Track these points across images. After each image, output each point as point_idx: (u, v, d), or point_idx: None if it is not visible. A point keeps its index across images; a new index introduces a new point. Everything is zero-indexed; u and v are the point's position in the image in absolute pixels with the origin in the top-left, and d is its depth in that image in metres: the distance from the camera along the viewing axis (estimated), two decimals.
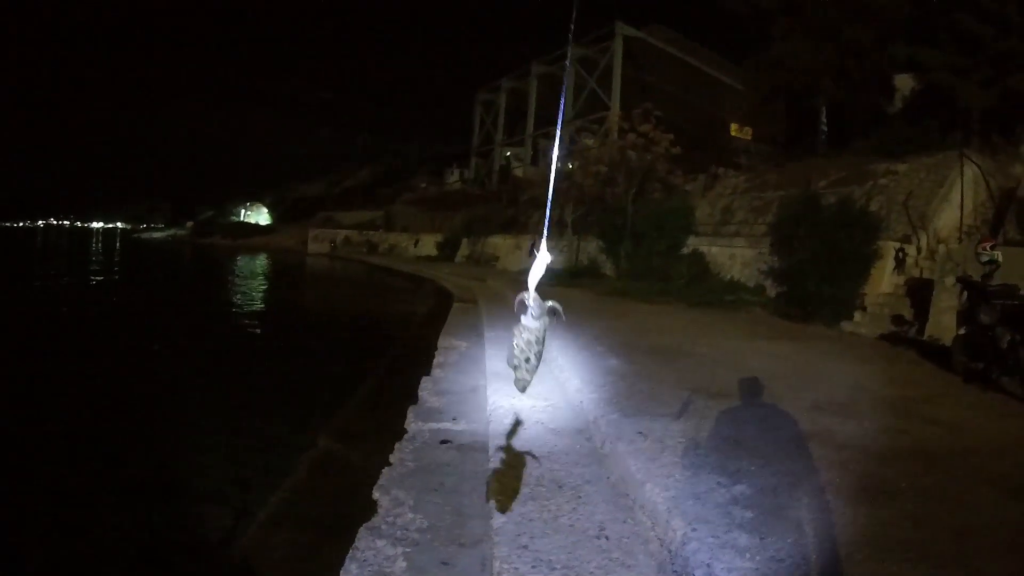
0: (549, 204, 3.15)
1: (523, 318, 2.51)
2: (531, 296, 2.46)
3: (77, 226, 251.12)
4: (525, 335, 2.52)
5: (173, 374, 12.12)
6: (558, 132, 3.43)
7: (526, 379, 2.57)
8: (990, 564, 3.48)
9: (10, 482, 7.05)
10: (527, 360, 2.54)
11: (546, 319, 2.54)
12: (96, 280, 33.60)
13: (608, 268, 25.14)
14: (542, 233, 2.59)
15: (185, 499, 6.61)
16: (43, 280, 31.75)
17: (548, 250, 2.41)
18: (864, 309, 14.10)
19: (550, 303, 2.52)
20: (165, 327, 18.36)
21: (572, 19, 2.86)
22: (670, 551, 3.60)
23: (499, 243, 36.55)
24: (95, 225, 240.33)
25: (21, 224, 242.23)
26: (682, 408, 6.18)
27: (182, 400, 10.34)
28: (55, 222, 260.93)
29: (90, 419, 9.32)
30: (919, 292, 12.97)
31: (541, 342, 2.54)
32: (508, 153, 55.13)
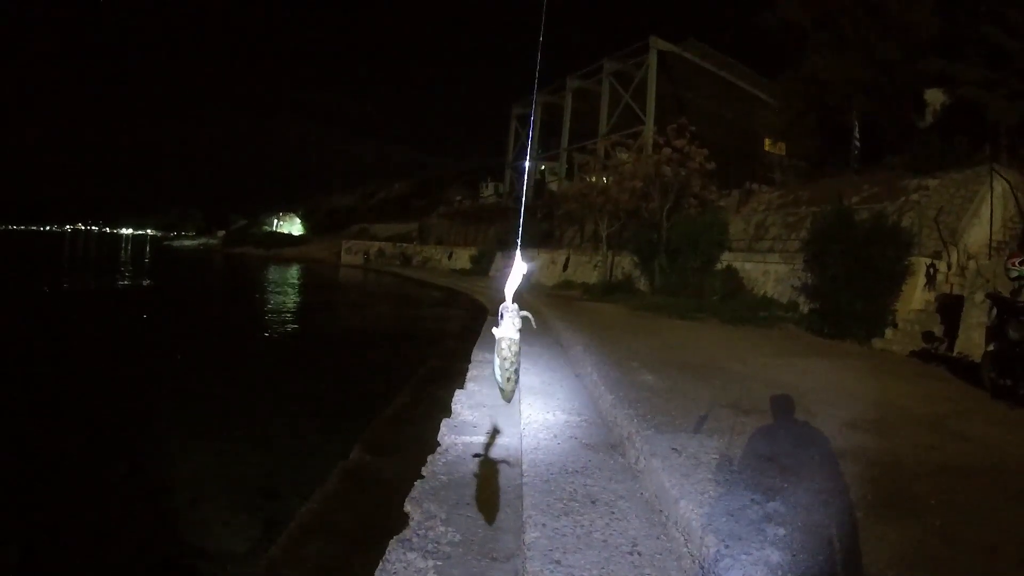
0: (521, 216, 3.24)
1: (504, 329, 2.55)
2: (510, 305, 2.51)
3: (106, 232, 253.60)
4: (514, 348, 2.57)
5: (204, 383, 12.22)
6: (527, 164, 3.52)
7: (513, 389, 2.65)
8: None
9: (37, 488, 7.14)
10: (515, 371, 2.60)
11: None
12: (124, 286, 33.95)
13: (642, 283, 25.07)
14: (517, 244, 2.64)
15: (214, 507, 6.66)
16: (70, 286, 32.14)
17: (523, 260, 2.50)
18: (895, 326, 13.96)
19: (523, 313, 2.57)
20: (197, 337, 18.53)
21: (536, 68, 2.92)
22: (703, 568, 3.59)
23: (534, 257, 36.47)
24: (124, 231, 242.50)
25: (48, 228, 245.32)
26: (705, 421, 6.17)
27: (213, 409, 10.42)
28: (83, 227, 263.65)
29: (118, 425, 9.44)
30: (950, 308, 12.83)
31: (519, 352, 2.61)
32: (543, 167, 55.08)
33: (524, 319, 2.61)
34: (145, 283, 33.81)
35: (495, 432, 6.37)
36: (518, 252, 2.55)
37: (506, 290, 2.52)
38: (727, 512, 4.01)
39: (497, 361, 2.60)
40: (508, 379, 2.61)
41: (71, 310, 23.80)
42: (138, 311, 24.87)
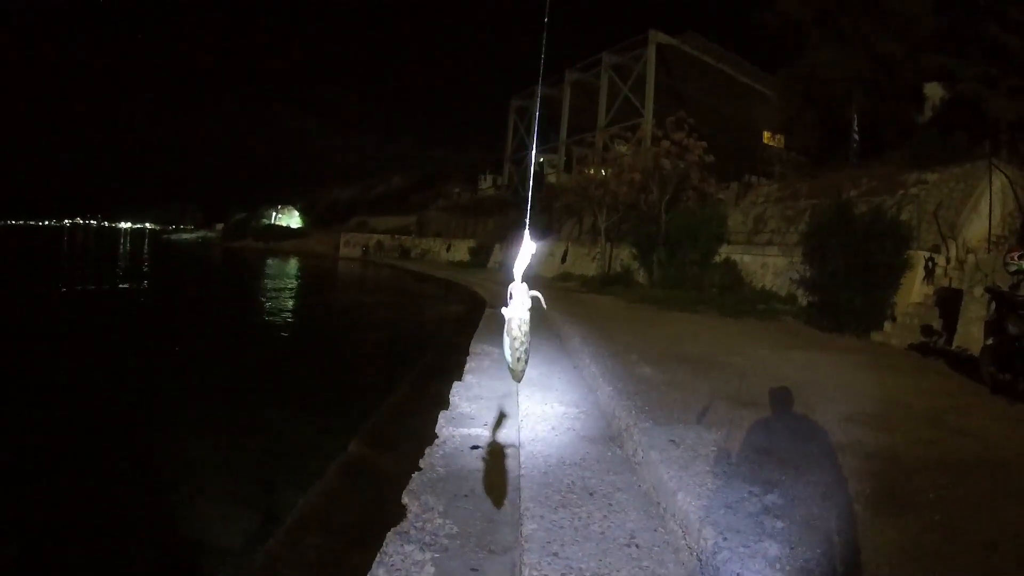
0: (530, 197, 3.23)
1: (514, 309, 2.55)
2: (519, 285, 2.52)
3: (104, 226, 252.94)
4: (524, 327, 2.58)
5: (203, 377, 12.21)
6: (532, 154, 3.52)
7: (523, 369, 2.64)
8: None
9: (35, 482, 7.14)
10: (526, 351, 2.61)
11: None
12: (125, 281, 33.90)
13: (641, 276, 25.07)
14: (526, 225, 2.65)
15: (213, 501, 6.66)
16: (70, 282, 32.08)
17: (532, 240, 2.55)
18: (894, 319, 13.95)
19: (533, 292, 2.57)
20: (196, 330, 18.52)
21: (541, 63, 2.92)
22: (701, 560, 3.58)
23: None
24: (123, 225, 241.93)
25: (46, 223, 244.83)
26: (703, 413, 6.16)
27: (212, 403, 10.41)
28: (81, 221, 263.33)
29: (117, 420, 9.42)
30: (948, 302, 12.81)
31: (529, 332, 2.61)
32: (541, 160, 55.05)
33: (533, 299, 2.60)
34: (144, 285, 33.45)
35: (493, 424, 6.36)
36: (527, 232, 2.54)
37: (514, 270, 2.52)
38: (725, 504, 4.00)
39: (507, 341, 2.59)
40: (519, 359, 2.61)
41: (70, 305, 23.75)
42: (138, 307, 24.89)
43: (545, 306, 2.73)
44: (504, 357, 2.65)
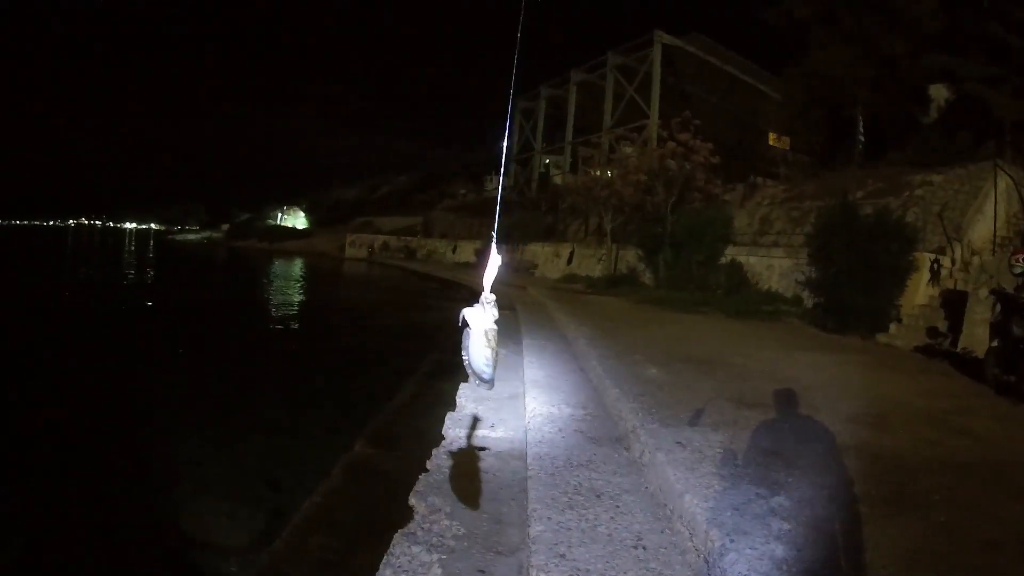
0: (499, 209, 3.30)
1: (487, 320, 2.61)
2: (489, 296, 2.58)
3: (109, 226, 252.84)
4: (496, 337, 2.64)
5: (209, 377, 12.21)
6: (503, 160, 3.54)
7: (493, 376, 2.69)
8: None
9: (39, 481, 7.15)
10: (496, 359, 2.66)
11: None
12: (129, 280, 33.99)
13: (647, 277, 25.06)
14: (492, 238, 2.74)
15: (218, 501, 6.66)
16: (76, 280, 32.14)
17: (498, 252, 2.68)
18: (899, 321, 13.94)
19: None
20: (201, 331, 18.53)
21: (514, 69, 2.96)
22: (708, 562, 3.58)
23: (538, 251, 36.54)
24: (128, 226, 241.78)
25: (51, 223, 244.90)
26: (700, 414, 6.16)
27: (217, 403, 10.41)
28: (86, 222, 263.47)
29: (121, 419, 9.43)
30: (953, 304, 12.81)
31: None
32: (547, 160, 55.08)
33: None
34: (148, 283, 33.47)
35: (499, 425, 6.36)
36: (493, 245, 2.63)
37: (484, 281, 2.59)
38: (732, 506, 4.00)
39: (486, 352, 2.62)
40: (494, 367, 2.65)
41: (72, 312, 23.79)
42: (145, 304, 24.94)
43: (497, 314, 2.79)
44: (472, 368, 2.68)
